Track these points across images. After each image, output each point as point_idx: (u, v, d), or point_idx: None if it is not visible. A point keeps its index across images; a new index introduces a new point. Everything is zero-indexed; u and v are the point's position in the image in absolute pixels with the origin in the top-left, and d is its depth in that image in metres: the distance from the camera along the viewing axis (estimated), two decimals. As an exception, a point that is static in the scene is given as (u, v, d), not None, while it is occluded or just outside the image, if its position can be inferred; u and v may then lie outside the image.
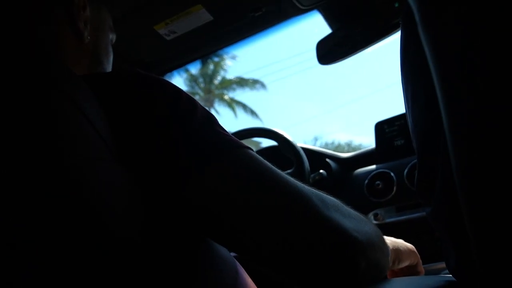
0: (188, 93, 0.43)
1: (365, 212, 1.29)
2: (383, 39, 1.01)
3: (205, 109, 0.43)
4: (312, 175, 1.36)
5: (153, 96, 0.40)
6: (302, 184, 0.42)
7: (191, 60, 1.31)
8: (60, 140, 0.33)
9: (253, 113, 18.44)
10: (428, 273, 0.80)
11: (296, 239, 0.38)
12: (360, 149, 1.57)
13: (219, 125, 0.42)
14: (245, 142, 0.45)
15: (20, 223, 0.30)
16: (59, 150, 0.32)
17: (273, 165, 0.42)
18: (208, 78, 18.76)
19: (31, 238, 0.30)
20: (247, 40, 1.20)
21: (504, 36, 0.26)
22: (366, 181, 1.33)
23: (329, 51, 1.10)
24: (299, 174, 1.29)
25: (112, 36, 0.64)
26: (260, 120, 19.23)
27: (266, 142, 1.52)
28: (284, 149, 1.36)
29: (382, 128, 1.43)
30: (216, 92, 19.01)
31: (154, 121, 0.39)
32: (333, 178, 1.42)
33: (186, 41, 1.14)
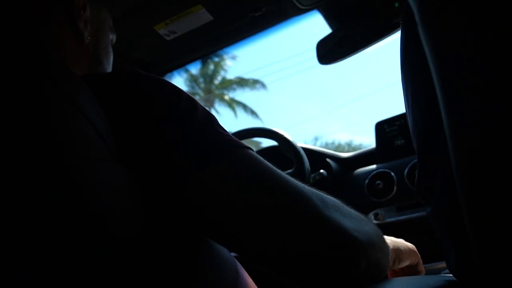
0: (188, 93, 0.43)
1: (365, 212, 1.29)
2: (383, 39, 1.01)
3: (205, 109, 0.43)
4: (312, 175, 1.36)
5: (153, 96, 0.40)
6: (302, 184, 0.42)
7: (191, 60, 1.31)
8: (60, 140, 0.33)
9: (253, 113, 18.44)
10: (429, 272, 0.80)
11: (296, 239, 0.38)
12: (360, 149, 1.57)
13: (219, 125, 0.42)
14: (245, 142, 0.45)
15: (20, 223, 0.30)
16: (59, 150, 0.32)
17: (273, 165, 0.42)
18: (208, 78, 18.76)
19: (31, 238, 0.30)
20: (247, 40, 1.20)
21: (504, 36, 0.26)
22: (367, 181, 1.33)
23: (329, 51, 1.10)
24: (300, 174, 1.29)
25: (112, 36, 0.64)
26: (260, 120, 19.23)
27: (267, 142, 1.53)
28: (284, 149, 1.36)
29: (382, 128, 1.43)
30: (216, 92, 19.01)
31: (154, 121, 0.39)
32: (333, 178, 1.42)
33: (186, 41, 1.14)
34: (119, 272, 0.34)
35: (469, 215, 0.30)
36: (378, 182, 1.30)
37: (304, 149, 1.42)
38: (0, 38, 0.38)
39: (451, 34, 0.28)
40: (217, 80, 18.92)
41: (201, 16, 1.03)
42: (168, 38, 1.11)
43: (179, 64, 1.31)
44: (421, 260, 0.64)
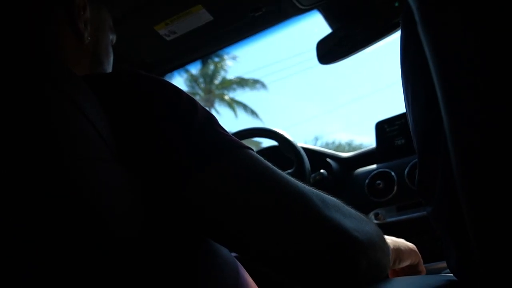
0: (189, 93, 0.43)
1: (366, 211, 1.29)
2: (383, 38, 1.01)
3: (206, 109, 0.43)
4: (312, 175, 1.36)
5: (153, 96, 0.40)
6: (303, 184, 0.42)
7: (191, 61, 1.31)
8: (60, 140, 0.33)
9: (253, 113, 18.44)
10: (429, 272, 0.80)
11: (297, 239, 0.38)
12: (360, 148, 1.57)
13: (220, 125, 0.42)
14: (246, 142, 0.45)
15: (20, 223, 0.30)
16: (59, 150, 0.32)
17: (274, 165, 0.42)
18: (209, 78, 18.76)
19: (31, 238, 0.30)
20: (247, 40, 1.20)
21: (504, 35, 0.26)
22: (367, 181, 1.33)
23: (329, 51, 1.10)
24: (300, 174, 1.29)
25: (113, 37, 0.64)
26: (261, 120, 19.23)
27: (267, 142, 1.53)
28: (285, 149, 1.36)
29: (383, 128, 1.43)
30: (217, 92, 19.01)
31: (154, 121, 0.39)
32: (333, 178, 1.42)
33: (186, 41, 1.14)
34: (119, 272, 0.34)
35: (470, 215, 0.30)
36: (378, 182, 1.30)
37: (304, 149, 1.42)
38: (0, 38, 0.38)
39: (451, 34, 0.28)
40: (217, 80, 18.93)
41: (201, 16, 1.03)
42: (168, 38, 1.11)
43: (179, 64, 1.31)
44: (421, 260, 0.64)
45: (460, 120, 0.29)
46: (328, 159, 1.48)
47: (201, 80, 18.78)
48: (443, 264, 1.08)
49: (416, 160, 0.42)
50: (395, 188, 1.26)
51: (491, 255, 0.29)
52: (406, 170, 1.25)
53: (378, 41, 1.03)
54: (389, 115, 1.43)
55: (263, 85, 18.66)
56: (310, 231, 0.38)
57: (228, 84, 18.87)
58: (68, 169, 0.32)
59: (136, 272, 0.35)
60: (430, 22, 0.30)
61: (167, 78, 1.34)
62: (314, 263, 0.39)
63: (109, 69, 0.62)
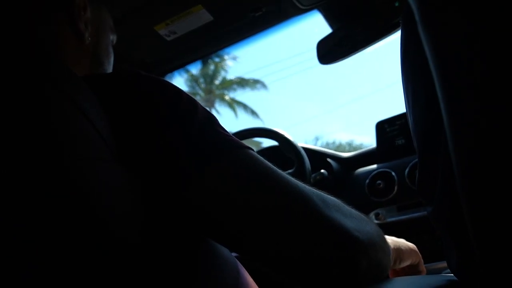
0: (189, 94, 0.43)
1: (366, 211, 1.29)
2: (383, 38, 1.01)
3: (206, 109, 0.43)
4: (313, 175, 1.36)
5: (153, 96, 0.40)
6: (303, 184, 0.42)
7: (191, 61, 1.31)
8: (60, 140, 0.33)
9: (253, 113, 18.44)
10: (430, 272, 0.80)
11: (297, 239, 0.38)
12: (361, 148, 1.57)
13: (220, 125, 0.42)
14: (246, 142, 0.45)
15: (20, 223, 0.30)
16: (59, 150, 0.32)
17: (274, 165, 0.42)
18: (209, 78, 18.77)
19: (31, 238, 0.30)
20: (247, 40, 1.20)
21: (504, 35, 0.26)
22: (367, 181, 1.33)
23: (330, 51, 1.10)
24: (300, 174, 1.29)
25: (113, 37, 0.64)
26: (261, 120, 19.24)
27: (267, 142, 1.53)
28: (285, 149, 1.36)
29: (383, 128, 1.43)
30: (217, 92, 19.01)
31: (154, 122, 0.39)
32: (334, 178, 1.42)
33: (186, 41, 1.14)
34: (120, 272, 0.34)
35: (470, 215, 0.30)
36: (379, 181, 1.30)
37: (305, 149, 1.42)
38: (0, 38, 0.38)
39: (451, 34, 0.28)
40: (218, 80, 18.93)
41: (201, 16, 1.03)
42: (168, 39, 1.11)
43: (180, 64, 1.31)
44: (422, 260, 0.64)
45: (460, 120, 0.29)
46: (328, 159, 1.48)
47: (201, 80, 18.79)
48: (444, 264, 1.08)
49: (417, 160, 0.42)
50: (396, 188, 1.26)
51: (491, 255, 0.29)
52: (407, 170, 1.25)
53: (378, 41, 1.03)
54: (389, 115, 1.44)
55: (264, 85, 18.67)
56: (311, 231, 0.38)
57: (228, 84, 18.88)
58: (68, 169, 0.32)
59: (136, 272, 0.35)
60: (430, 22, 0.30)
61: (167, 78, 1.35)
62: (314, 263, 0.39)
63: (110, 69, 0.62)
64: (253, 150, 0.42)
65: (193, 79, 18.56)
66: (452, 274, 0.42)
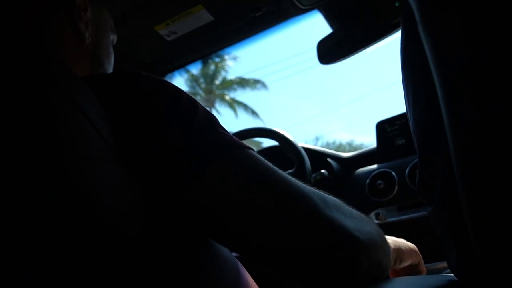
0: (189, 94, 0.43)
1: (366, 211, 1.29)
2: (383, 38, 1.01)
3: (206, 109, 0.43)
4: (313, 175, 1.36)
5: (153, 96, 0.40)
6: (303, 184, 0.42)
7: (192, 61, 1.31)
8: (60, 140, 0.33)
9: (254, 113, 18.44)
10: (430, 272, 0.80)
11: (297, 239, 0.38)
12: (361, 148, 1.57)
13: (220, 125, 0.42)
14: (246, 142, 0.45)
15: (20, 223, 0.30)
16: (59, 150, 0.32)
17: (274, 165, 0.42)
18: (209, 78, 18.78)
19: (31, 238, 0.30)
20: (247, 40, 1.20)
21: (504, 35, 0.26)
22: (368, 181, 1.33)
23: (330, 51, 1.10)
24: (300, 174, 1.29)
25: (113, 37, 0.64)
26: (261, 120, 19.25)
27: (267, 142, 1.52)
28: (285, 149, 1.36)
29: (383, 128, 1.43)
30: (217, 92, 19.02)
31: (154, 122, 0.39)
32: (334, 178, 1.42)
33: (186, 41, 1.14)
34: (120, 272, 0.34)
35: (470, 215, 0.30)
36: (379, 181, 1.30)
37: (305, 149, 1.42)
38: (0, 38, 0.38)
39: (451, 34, 0.28)
40: (218, 80, 18.94)
41: (202, 17, 1.03)
42: (168, 39, 1.11)
43: (180, 64, 1.31)
44: (422, 260, 0.64)
45: (460, 120, 0.29)
46: (328, 159, 1.48)
47: (201, 80, 18.80)
48: (444, 264, 1.08)
49: (417, 160, 0.42)
50: (396, 188, 1.26)
51: (491, 255, 0.29)
52: (407, 170, 1.25)
53: (378, 41, 1.03)
54: (389, 115, 1.44)
55: (264, 85, 18.67)
56: (311, 231, 0.38)
57: (228, 84, 18.89)
58: (68, 169, 0.32)
59: (136, 272, 0.35)
60: (430, 22, 0.30)
61: (167, 78, 1.35)
62: (314, 263, 0.39)
63: (110, 69, 0.62)
64: (253, 150, 0.42)
65: (194, 79, 18.57)
66: (452, 274, 0.42)
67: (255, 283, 0.49)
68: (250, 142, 1.01)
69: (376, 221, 1.27)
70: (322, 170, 1.39)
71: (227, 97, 18.75)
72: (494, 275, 0.30)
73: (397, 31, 0.99)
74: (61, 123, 0.34)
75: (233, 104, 18.46)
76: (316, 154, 1.50)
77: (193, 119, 0.40)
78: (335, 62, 1.11)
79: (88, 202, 0.32)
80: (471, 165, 0.29)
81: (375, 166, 1.38)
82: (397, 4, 0.98)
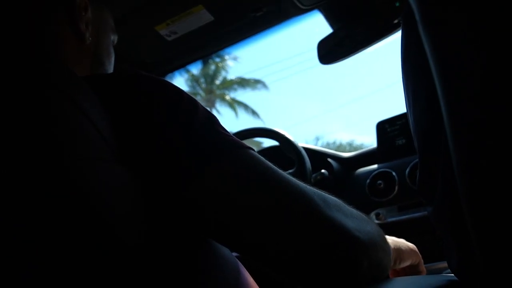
0: (189, 94, 0.43)
1: (367, 211, 1.29)
2: (384, 38, 1.01)
3: (207, 109, 0.43)
4: (313, 175, 1.36)
5: (154, 96, 0.40)
6: (304, 184, 0.42)
7: (192, 61, 1.31)
8: (60, 140, 0.33)
9: (254, 113, 18.45)
10: (430, 272, 0.80)
11: (298, 239, 0.38)
12: (361, 148, 1.57)
13: (220, 125, 0.42)
14: (247, 142, 0.45)
15: (20, 223, 0.30)
16: (59, 150, 0.32)
17: (275, 165, 0.42)
18: (210, 78, 18.78)
19: (31, 238, 0.30)
20: (248, 40, 1.20)
21: (504, 35, 0.26)
22: (368, 181, 1.33)
23: (330, 51, 1.10)
24: (301, 174, 1.29)
25: (114, 37, 0.64)
26: (262, 120, 19.27)
27: (268, 142, 1.52)
28: (286, 149, 1.36)
29: (384, 128, 1.43)
30: (218, 92, 19.03)
31: (154, 122, 0.39)
32: (334, 178, 1.42)
33: (187, 41, 1.14)
34: (120, 272, 0.34)
35: (471, 215, 0.30)
36: (379, 181, 1.30)
37: (305, 149, 1.42)
38: (0, 38, 0.38)
39: (451, 34, 0.28)
40: (218, 80, 18.96)
41: (202, 17, 1.03)
42: (169, 39, 1.11)
43: (180, 64, 1.31)
44: (422, 260, 0.64)
45: (460, 120, 0.29)
46: (329, 159, 1.48)
47: (202, 80, 18.81)
48: (444, 264, 1.08)
49: (417, 160, 0.42)
50: (396, 188, 1.26)
51: (492, 255, 0.29)
52: (407, 170, 1.25)
53: (378, 41, 1.02)
54: (390, 115, 1.43)
55: (264, 85, 18.68)
56: (311, 231, 0.38)
57: (229, 84, 18.90)
58: (68, 169, 0.32)
59: (137, 272, 0.35)
60: (430, 22, 0.30)
61: (168, 78, 1.35)
62: (315, 263, 0.39)
63: (111, 69, 0.62)
64: (253, 150, 0.42)
65: (194, 79, 18.58)
66: (452, 274, 0.42)
67: (256, 283, 0.49)
68: (250, 142, 1.01)
69: (377, 221, 1.27)
70: (323, 170, 1.39)
71: (227, 97, 18.76)
72: (494, 275, 0.30)
73: (397, 31, 0.99)
74: (61, 123, 0.34)
75: (234, 104, 18.47)
76: (317, 154, 1.50)
77: (193, 119, 0.40)
78: (335, 62, 1.11)
79: (88, 202, 0.32)
80: (471, 165, 0.29)
81: (375, 166, 1.38)
82: (397, 4, 0.98)
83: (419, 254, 0.64)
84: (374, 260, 0.42)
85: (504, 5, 0.25)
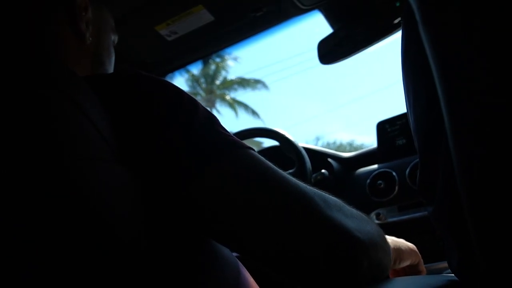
0: (190, 94, 0.43)
1: (367, 211, 1.29)
2: (384, 38, 1.01)
3: (207, 109, 0.43)
4: (314, 175, 1.36)
5: (154, 96, 0.40)
6: (304, 184, 0.42)
7: (192, 61, 1.31)
8: (60, 140, 0.33)
9: (254, 113, 18.45)
10: (430, 272, 0.80)
11: (298, 239, 0.38)
12: (362, 148, 1.57)
13: (221, 125, 0.42)
14: (247, 142, 0.45)
15: (20, 223, 0.30)
16: (59, 150, 0.32)
17: (275, 165, 0.42)
18: (210, 78, 18.79)
19: (31, 238, 0.30)
20: (248, 40, 1.20)
21: (504, 35, 0.26)
22: (368, 181, 1.33)
23: (330, 51, 1.10)
24: (301, 174, 1.29)
25: (114, 37, 0.64)
26: (262, 120, 19.28)
27: (268, 142, 1.52)
28: (286, 149, 1.36)
29: (384, 128, 1.43)
30: (218, 92, 19.04)
31: (154, 122, 0.39)
32: (335, 178, 1.42)
33: (187, 41, 1.14)
34: (120, 273, 0.34)
35: (471, 215, 0.30)
36: (379, 182, 1.30)
37: (306, 149, 1.41)
38: (0, 38, 0.38)
39: (451, 34, 0.28)
40: (219, 81, 18.96)
41: (202, 17, 1.03)
42: (169, 39, 1.11)
43: (180, 64, 1.31)
44: (421, 260, 0.64)
45: (460, 120, 0.29)
46: (329, 159, 1.48)
47: (202, 80, 18.82)
48: (445, 264, 1.08)
49: (417, 160, 0.42)
50: (396, 188, 1.26)
51: (492, 255, 0.29)
52: (407, 170, 1.25)
53: (379, 41, 1.02)
54: (390, 115, 1.43)
55: (264, 85, 18.69)
56: (312, 231, 0.38)
57: (229, 84, 18.91)
58: (68, 169, 0.32)
59: (137, 272, 0.35)
60: (430, 22, 0.30)
61: (168, 79, 1.35)
62: (315, 263, 0.39)
63: (111, 69, 0.62)
64: (254, 150, 0.42)
65: (194, 79, 18.59)
66: (453, 274, 0.42)
67: (256, 283, 0.49)
68: (250, 142, 1.01)
69: (377, 221, 1.27)
70: (323, 170, 1.39)
71: (227, 97, 18.76)
72: (494, 275, 0.30)
73: (397, 31, 0.99)
74: (61, 123, 0.34)
75: (234, 104, 18.48)
76: (317, 154, 1.50)
77: (193, 119, 0.40)
78: (335, 62, 1.11)
79: (88, 202, 0.32)
80: (471, 165, 0.29)
81: (375, 166, 1.38)
82: (397, 4, 0.98)
83: (419, 254, 0.64)
84: (374, 260, 0.42)
85: (504, 5, 0.25)
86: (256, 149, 0.44)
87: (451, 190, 0.34)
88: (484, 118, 0.27)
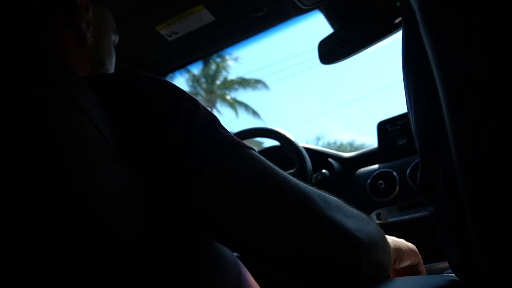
0: (190, 94, 0.43)
1: (367, 211, 1.29)
2: (384, 38, 1.01)
3: (207, 109, 0.43)
4: (314, 175, 1.36)
5: (154, 96, 0.40)
6: (304, 184, 0.42)
7: (193, 61, 1.31)
8: (60, 140, 0.33)
9: (255, 113, 18.45)
10: (431, 272, 0.80)
11: (298, 239, 0.38)
12: (362, 148, 1.57)
13: (221, 125, 0.42)
14: (247, 142, 0.45)
15: (20, 223, 0.30)
16: (59, 150, 0.32)
17: (275, 165, 0.42)
18: (210, 78, 18.80)
19: (31, 238, 0.30)
20: (248, 40, 1.20)
21: (504, 35, 0.26)
22: (369, 181, 1.33)
23: (331, 51, 1.10)
24: (301, 174, 1.29)
25: (115, 37, 0.64)
26: (262, 120, 19.28)
27: (268, 142, 1.52)
28: (286, 149, 1.36)
29: (385, 128, 1.43)
30: (218, 92, 19.04)
31: (155, 122, 0.39)
32: (335, 178, 1.42)
33: (187, 41, 1.14)
34: (120, 272, 0.34)
35: (472, 215, 0.30)
36: (380, 181, 1.30)
37: (306, 149, 1.41)
38: (0, 38, 0.38)
39: (451, 34, 0.28)
40: (219, 81, 18.97)
41: (203, 17, 1.03)
42: (169, 39, 1.11)
43: (181, 64, 1.31)
44: (421, 260, 0.64)
45: (461, 120, 0.29)
46: (330, 159, 1.48)
47: (203, 80, 18.82)
48: (445, 264, 1.08)
49: (418, 160, 0.42)
50: (397, 188, 1.26)
51: (493, 255, 0.29)
52: (408, 170, 1.25)
53: (379, 41, 1.02)
54: (391, 115, 1.43)
55: (265, 85, 18.68)
56: (312, 231, 0.38)
57: (229, 84, 18.91)
58: (68, 169, 0.32)
59: (137, 273, 0.35)
60: (431, 22, 0.30)
61: (168, 79, 1.35)
62: (315, 263, 0.39)
63: (111, 69, 0.62)
64: (254, 150, 0.42)
65: (195, 79, 18.59)
66: (453, 274, 0.42)
67: (257, 283, 0.49)
68: (251, 142, 1.01)
69: (377, 221, 1.27)
70: (323, 170, 1.39)
71: (228, 97, 18.76)
72: (494, 275, 0.30)
73: (398, 31, 0.99)
74: (61, 123, 0.34)
75: (234, 104, 18.48)
76: (317, 154, 1.50)
77: (193, 119, 0.40)
78: (336, 62, 1.11)
79: (88, 202, 0.32)
80: (472, 165, 0.29)
81: (376, 166, 1.38)
82: (398, 4, 0.98)
83: (419, 254, 0.64)
84: (375, 260, 0.42)
85: (504, 5, 0.25)
86: (256, 149, 0.44)
87: (452, 190, 0.34)
88: (484, 118, 0.27)
